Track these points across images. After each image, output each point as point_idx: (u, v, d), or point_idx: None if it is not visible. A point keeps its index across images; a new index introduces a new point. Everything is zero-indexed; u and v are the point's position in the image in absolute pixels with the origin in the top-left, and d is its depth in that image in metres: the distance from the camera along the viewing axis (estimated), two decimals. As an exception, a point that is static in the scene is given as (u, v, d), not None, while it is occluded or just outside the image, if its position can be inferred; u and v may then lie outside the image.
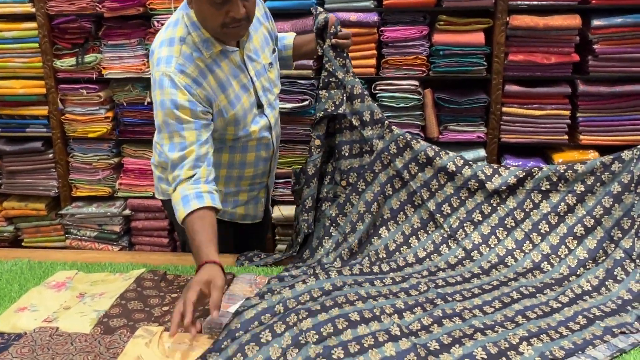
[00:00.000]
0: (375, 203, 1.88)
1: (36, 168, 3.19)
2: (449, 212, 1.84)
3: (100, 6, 2.88)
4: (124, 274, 1.83)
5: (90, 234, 3.18)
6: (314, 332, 1.34)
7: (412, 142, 1.91)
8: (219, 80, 1.76)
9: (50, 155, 3.17)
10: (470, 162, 1.88)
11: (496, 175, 1.84)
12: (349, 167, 1.93)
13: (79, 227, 3.19)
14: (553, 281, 1.66)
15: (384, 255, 1.82)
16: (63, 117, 3.09)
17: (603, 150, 2.79)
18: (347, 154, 1.94)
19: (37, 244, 3.24)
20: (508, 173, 1.84)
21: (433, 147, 1.91)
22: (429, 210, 1.85)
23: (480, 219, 1.82)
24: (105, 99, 3.05)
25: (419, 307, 1.51)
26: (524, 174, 1.82)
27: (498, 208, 1.82)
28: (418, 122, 2.86)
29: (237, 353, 1.30)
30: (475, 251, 1.78)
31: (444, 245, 1.81)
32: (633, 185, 1.70)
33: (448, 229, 1.82)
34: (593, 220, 1.74)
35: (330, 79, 1.91)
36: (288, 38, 2.12)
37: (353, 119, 1.93)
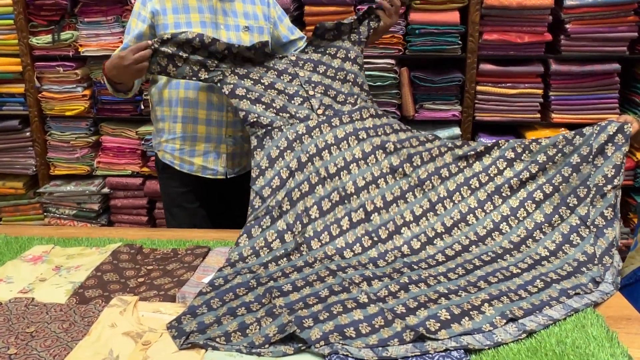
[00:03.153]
0: (345, 141, 1.90)
1: (13, 146, 3.18)
2: (419, 164, 1.90)
3: (75, -18, 2.86)
4: (100, 247, 1.85)
5: (69, 212, 3.19)
6: (286, 309, 1.39)
7: (390, 116, 2.07)
8: (181, 4, 2.00)
9: (28, 134, 3.16)
10: (440, 137, 1.97)
11: (465, 145, 1.93)
12: (329, 104, 1.98)
13: (58, 205, 3.20)
14: (512, 246, 1.73)
15: (352, 192, 1.83)
16: (40, 95, 3.08)
17: (574, 128, 2.80)
18: (332, 95, 2.00)
19: (16, 222, 3.24)
20: (476, 144, 1.92)
21: (407, 126, 2.04)
22: (400, 158, 1.90)
23: (447, 175, 1.89)
24: (82, 76, 3.04)
25: (387, 277, 1.56)
26: (492, 144, 1.90)
27: (464, 169, 1.91)
28: (394, 101, 2.89)
29: (213, 323, 1.35)
30: (440, 204, 1.85)
31: (410, 193, 1.86)
32: (591, 157, 1.77)
33: (416, 179, 1.87)
34: (552, 188, 1.81)
35: (334, 32, 2.06)
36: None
37: (348, 76, 2.03)
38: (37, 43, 2.99)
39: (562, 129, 2.86)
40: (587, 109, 2.84)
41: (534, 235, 1.76)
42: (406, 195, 1.86)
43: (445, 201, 1.86)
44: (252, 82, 1.94)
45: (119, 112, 3.08)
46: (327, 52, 2.05)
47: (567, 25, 2.73)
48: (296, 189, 1.81)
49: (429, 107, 2.90)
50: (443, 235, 1.78)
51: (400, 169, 1.89)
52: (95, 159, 3.16)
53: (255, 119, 1.89)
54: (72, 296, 1.53)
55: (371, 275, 1.57)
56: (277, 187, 1.82)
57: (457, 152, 1.92)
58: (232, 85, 1.91)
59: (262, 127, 1.89)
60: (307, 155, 1.85)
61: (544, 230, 1.76)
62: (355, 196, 1.83)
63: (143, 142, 3.08)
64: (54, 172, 3.20)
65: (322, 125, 1.91)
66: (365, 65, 2.80)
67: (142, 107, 3.05)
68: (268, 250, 1.71)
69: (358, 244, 1.74)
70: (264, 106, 1.91)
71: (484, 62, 2.82)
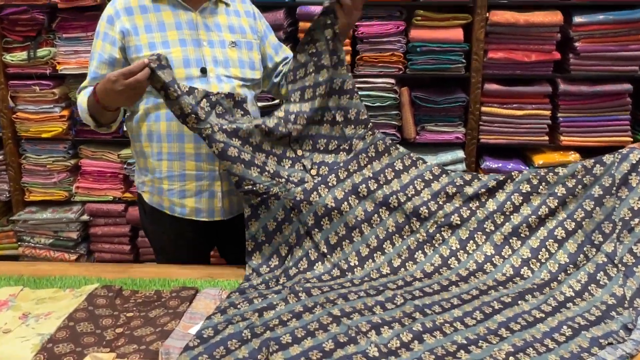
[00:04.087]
0: (346, 202, 1.74)
1: (-15, 170, 2.97)
2: (426, 215, 1.73)
3: (53, -5, 2.68)
4: (75, 289, 1.65)
5: (45, 241, 2.97)
6: None
7: (391, 148, 1.81)
8: (155, 21, 1.71)
9: (1, 157, 2.96)
10: (448, 171, 1.80)
11: (475, 180, 1.76)
12: (321, 160, 1.79)
13: (33, 233, 2.98)
14: (535, 286, 1.60)
15: (356, 263, 1.69)
16: (14, 116, 2.88)
17: (584, 151, 2.72)
18: (322, 148, 1.80)
19: (-13, 252, 3.02)
20: (488, 177, 1.77)
21: (411, 155, 1.81)
22: (405, 213, 1.73)
23: (459, 222, 1.73)
24: (60, 96, 2.85)
25: (397, 323, 1.40)
26: (504, 177, 1.75)
27: (477, 211, 1.74)
28: (394, 122, 2.73)
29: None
30: (453, 258, 1.71)
31: (420, 251, 1.71)
32: (614, 188, 1.66)
33: (425, 234, 1.71)
34: (574, 224, 1.69)
35: (312, 60, 1.77)
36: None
37: (337, 114, 1.80)
38: (12, 60, 2.79)
39: (572, 152, 2.71)
40: (598, 131, 2.70)
41: (559, 278, 1.62)
42: (415, 256, 1.70)
43: (458, 253, 1.70)
44: (241, 141, 1.69)
45: (100, 133, 2.88)
46: (311, 91, 1.79)
47: (577, 44, 2.60)
48: (294, 267, 1.68)
49: (431, 129, 2.75)
50: (459, 283, 1.62)
51: (407, 226, 1.73)
52: (74, 183, 2.96)
53: (250, 186, 1.67)
54: (39, 352, 1.32)
55: (380, 322, 1.40)
56: (276, 266, 1.68)
57: (467, 192, 1.74)
58: (222, 144, 1.64)
59: (257, 195, 1.68)
60: (306, 227, 1.70)
61: (568, 271, 1.63)
62: (359, 267, 1.68)
63: (125, 166, 2.89)
64: (29, 198, 2.99)
65: (319, 188, 1.72)
66: (363, 85, 2.66)
67: (124, 128, 2.85)
68: (262, 299, 1.53)
69: (363, 292, 1.56)
70: (258, 170, 1.68)
71: (489, 82, 2.68)
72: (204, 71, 1.71)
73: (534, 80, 2.69)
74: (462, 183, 1.76)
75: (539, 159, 2.69)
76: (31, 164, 2.95)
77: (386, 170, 1.78)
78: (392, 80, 2.69)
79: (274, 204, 1.68)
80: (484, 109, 2.70)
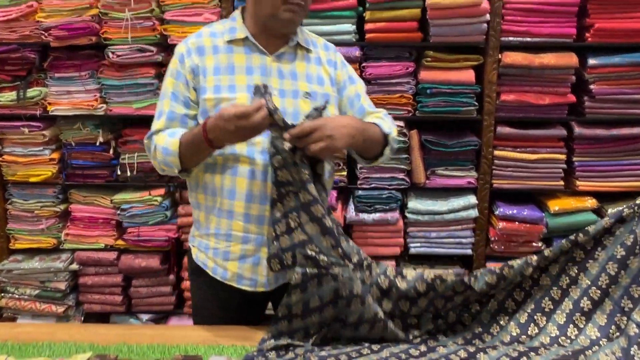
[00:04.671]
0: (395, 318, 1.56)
1: (-32, 216, 2.79)
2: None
3: (46, 34, 2.55)
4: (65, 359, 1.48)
5: (30, 292, 2.78)
6: None
7: (396, 281, 1.57)
8: (226, 63, 1.57)
9: (-15, 202, 2.79)
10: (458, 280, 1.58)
11: (490, 273, 1.56)
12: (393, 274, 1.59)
13: (18, 284, 2.79)
14: (569, 353, 1.43)
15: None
16: (1, 159, 2.73)
17: (601, 196, 2.62)
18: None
19: (-33, 304, 2.82)
20: (497, 272, 1.56)
21: (418, 282, 1.58)
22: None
23: (479, 308, 1.58)
24: (50, 138, 2.70)
25: None
26: (518, 266, 1.55)
27: (488, 304, 1.59)
28: (403, 166, 2.61)
29: None
30: (477, 339, 1.55)
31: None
32: (638, 247, 1.50)
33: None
34: (599, 292, 1.53)
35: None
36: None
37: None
38: (0, 101, 2.65)
39: (588, 197, 2.60)
40: (615, 175, 2.59)
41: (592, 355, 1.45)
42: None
43: (483, 335, 1.55)
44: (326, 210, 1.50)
45: (92, 177, 2.74)
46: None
47: (592, 86, 2.51)
48: (317, 349, 1.48)
49: (441, 174, 2.63)
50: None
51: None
52: (63, 230, 2.78)
53: (314, 253, 1.45)
54: None
55: None
56: (295, 346, 1.48)
57: (479, 289, 1.55)
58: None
59: (317, 266, 1.45)
60: (345, 322, 1.51)
61: (602, 346, 1.47)
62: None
63: (119, 211, 2.72)
64: (15, 246, 2.81)
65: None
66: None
67: (119, 172, 2.70)
68: None
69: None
70: (332, 241, 1.46)
71: (501, 125, 2.57)
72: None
73: (548, 123, 2.59)
74: (484, 288, 1.55)
75: (554, 205, 2.58)
76: (18, 210, 2.78)
77: (401, 302, 1.59)
78: (402, 123, 2.57)
79: (328, 283, 1.47)
80: (496, 152, 2.59)
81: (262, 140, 1.51)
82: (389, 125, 1.66)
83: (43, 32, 2.55)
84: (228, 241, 1.61)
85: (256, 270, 1.61)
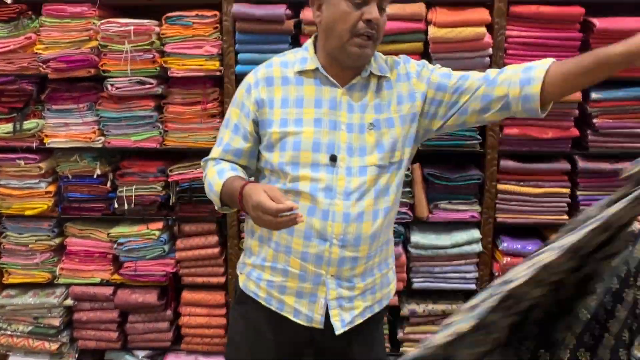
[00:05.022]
0: None
1: (-40, 250, 2.72)
2: None
3: (44, 66, 2.51)
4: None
5: (23, 328, 2.70)
6: None
7: None
8: (294, 95, 1.52)
9: (-22, 236, 2.72)
10: None
11: None
12: None
13: (10, 320, 2.72)
14: None
15: None
16: (-5, 192, 2.66)
17: (606, 231, 2.58)
18: None
19: (-42, 341, 2.73)
20: None
21: None
22: None
23: None
24: (46, 170, 2.65)
25: None
26: None
27: None
28: (406, 200, 2.57)
29: None
30: None
31: None
32: (632, 278, 1.45)
33: None
34: (599, 326, 1.46)
35: None
36: (537, 68, 1.47)
37: None
38: (-5, 133, 2.61)
39: (593, 232, 2.57)
40: (619, 210, 2.56)
41: None
42: None
43: None
44: None
45: (89, 210, 2.68)
46: None
47: (595, 120, 2.49)
48: None
49: (444, 208, 2.59)
50: None
51: None
52: (58, 264, 2.71)
53: None
54: None
55: None
56: None
57: None
58: None
59: None
60: None
61: None
62: None
63: (116, 245, 2.66)
64: (8, 280, 2.73)
65: None
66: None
67: (116, 204, 2.65)
68: None
69: None
70: None
71: (505, 159, 2.55)
72: (333, 159, 1.49)
73: (552, 157, 2.57)
74: None
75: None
76: (12, 244, 2.71)
77: None
78: (404, 156, 2.55)
79: None
80: (500, 186, 2.55)
81: (326, 177, 1.48)
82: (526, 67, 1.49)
83: (41, 64, 2.51)
84: (285, 276, 1.55)
85: (312, 307, 1.54)
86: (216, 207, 1.60)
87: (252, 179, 1.64)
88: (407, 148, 1.56)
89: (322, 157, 1.49)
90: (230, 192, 1.49)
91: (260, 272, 1.59)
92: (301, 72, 1.53)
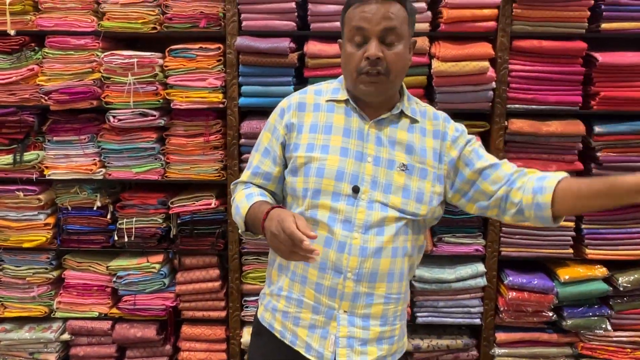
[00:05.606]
0: None
1: (-45, 283, 2.67)
2: None
3: (46, 98, 2.50)
4: None
5: (18, 364, 2.64)
6: None
7: None
8: (324, 122, 1.52)
9: (-26, 269, 2.68)
10: None
11: None
12: None
13: (5, 355, 2.66)
14: None
15: None
16: (-7, 224, 2.63)
17: (611, 265, 2.56)
18: None
19: (-50, 376, 2.67)
20: None
21: None
22: None
23: None
24: (45, 202, 2.62)
25: None
26: None
27: None
28: (410, 234, 2.55)
29: None
30: None
31: None
32: None
33: None
34: None
35: None
36: (549, 179, 1.45)
37: None
38: (-5, 164, 2.58)
39: (598, 265, 2.55)
40: (625, 243, 2.55)
41: None
42: None
43: None
44: None
45: (88, 243, 2.64)
46: None
47: (598, 154, 2.49)
48: None
49: (448, 241, 2.57)
50: None
51: None
52: (56, 298, 2.67)
53: None
54: None
55: None
56: None
57: None
58: None
59: None
60: None
61: None
62: None
63: (115, 278, 2.62)
64: (4, 314, 2.68)
65: None
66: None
67: (116, 237, 2.62)
68: None
69: None
70: None
71: (509, 192, 2.53)
72: (356, 190, 1.45)
73: (556, 191, 2.56)
74: None
75: (564, 274, 2.52)
76: (8, 277, 2.66)
77: None
78: (407, 189, 2.53)
79: None
80: (504, 220, 2.54)
81: (346, 208, 1.44)
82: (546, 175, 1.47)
83: (43, 96, 2.50)
84: (299, 307, 1.51)
85: (324, 343, 1.50)
86: (239, 231, 1.58)
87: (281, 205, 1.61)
88: (426, 206, 1.49)
89: (344, 187, 1.46)
90: (255, 215, 1.47)
91: (276, 303, 1.56)
92: (332, 101, 1.54)
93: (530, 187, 1.46)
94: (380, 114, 1.50)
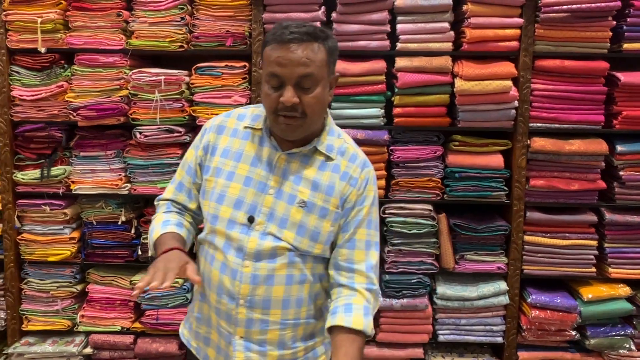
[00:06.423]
0: None
1: (-20, 296, 2.70)
2: None
3: (74, 114, 2.55)
4: None
5: (41, 377, 2.66)
6: None
7: None
8: (236, 148, 1.52)
9: (0, 281, 2.70)
10: None
11: None
12: None
13: (28, 369, 2.67)
14: None
15: None
16: (19, 237, 2.66)
17: (635, 284, 2.55)
18: None
19: (-27, 389, 2.68)
20: None
21: None
22: None
23: None
24: (71, 217, 2.65)
25: None
26: None
27: None
28: (432, 251, 2.56)
29: None
30: None
31: None
32: None
33: None
34: None
35: None
36: (334, 317, 1.44)
37: None
38: (23, 179, 2.62)
39: (621, 285, 2.54)
40: (648, 263, 2.55)
41: None
42: None
43: None
44: None
45: (112, 257, 2.67)
46: None
47: (621, 172, 2.50)
48: None
49: (471, 259, 2.57)
50: None
51: None
52: (79, 311, 2.69)
53: None
54: None
55: None
56: None
57: None
58: None
59: None
60: None
61: None
62: None
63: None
64: (27, 328, 2.70)
65: None
66: (399, 211, 2.54)
67: (140, 252, 2.64)
68: None
69: None
70: None
71: (531, 210, 2.54)
72: (251, 220, 1.45)
73: (578, 209, 2.56)
74: None
75: (587, 293, 2.52)
76: (33, 290, 2.69)
77: None
78: (430, 207, 2.54)
79: None
80: (527, 238, 2.54)
81: (239, 237, 1.45)
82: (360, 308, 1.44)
83: (72, 112, 2.55)
84: (208, 327, 1.55)
85: None
86: (149, 253, 1.60)
87: (188, 244, 1.59)
88: (321, 245, 1.47)
89: (240, 216, 1.45)
90: (160, 246, 1.49)
91: (191, 323, 1.61)
92: (250, 128, 1.53)
93: (334, 305, 1.46)
94: (292, 147, 1.48)
